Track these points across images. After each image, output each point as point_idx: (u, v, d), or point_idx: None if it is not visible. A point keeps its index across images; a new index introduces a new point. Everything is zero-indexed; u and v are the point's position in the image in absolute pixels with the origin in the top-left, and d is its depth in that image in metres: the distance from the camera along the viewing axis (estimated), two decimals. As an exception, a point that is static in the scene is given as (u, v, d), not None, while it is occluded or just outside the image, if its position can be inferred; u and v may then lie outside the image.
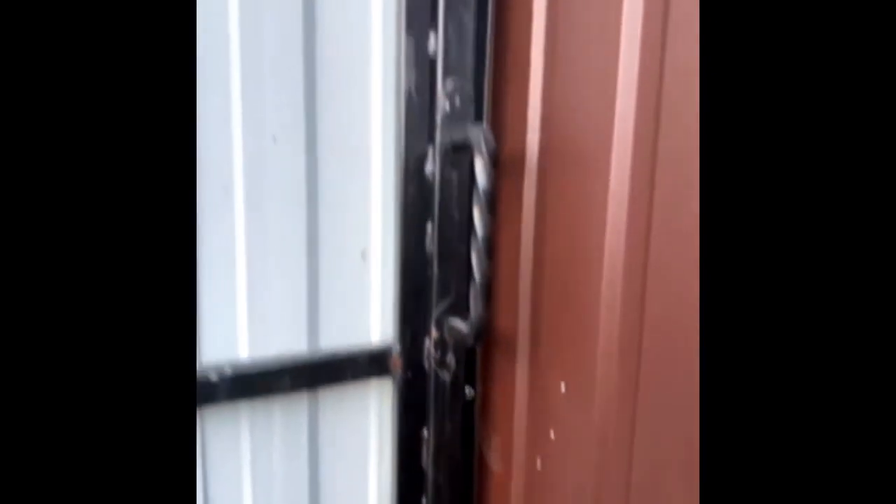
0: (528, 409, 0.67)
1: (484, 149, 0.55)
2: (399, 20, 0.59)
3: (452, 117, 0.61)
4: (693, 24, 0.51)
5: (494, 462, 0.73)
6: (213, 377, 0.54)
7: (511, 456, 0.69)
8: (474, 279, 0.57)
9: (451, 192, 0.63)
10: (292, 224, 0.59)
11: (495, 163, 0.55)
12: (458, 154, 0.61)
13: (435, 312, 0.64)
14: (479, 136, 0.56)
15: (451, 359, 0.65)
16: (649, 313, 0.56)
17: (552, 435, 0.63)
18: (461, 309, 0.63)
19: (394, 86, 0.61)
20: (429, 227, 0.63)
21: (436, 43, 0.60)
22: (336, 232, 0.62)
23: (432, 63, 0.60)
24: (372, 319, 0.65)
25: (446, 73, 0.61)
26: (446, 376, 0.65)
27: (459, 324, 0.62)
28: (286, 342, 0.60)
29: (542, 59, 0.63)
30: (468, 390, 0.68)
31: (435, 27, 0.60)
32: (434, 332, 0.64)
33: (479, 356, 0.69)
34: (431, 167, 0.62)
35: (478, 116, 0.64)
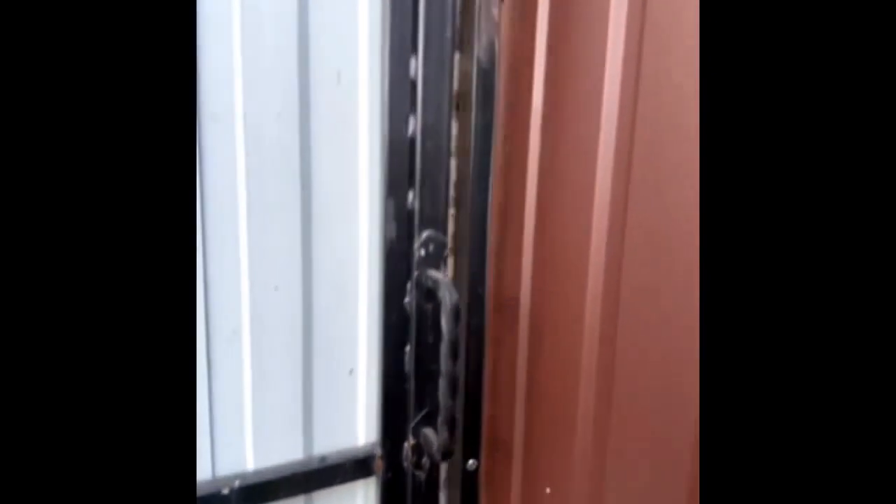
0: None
1: (448, 303, 0.65)
2: (382, 183, 0.70)
3: (427, 261, 0.72)
4: (656, 188, 0.61)
5: None
6: (225, 490, 0.65)
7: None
8: (441, 408, 0.68)
9: (425, 322, 0.73)
10: (291, 351, 0.70)
11: (457, 315, 0.66)
12: (431, 293, 0.72)
13: (412, 422, 0.75)
14: (444, 291, 0.67)
15: (426, 461, 0.76)
16: (613, 443, 0.67)
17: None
18: (434, 419, 0.74)
19: (378, 235, 0.72)
20: (407, 349, 0.74)
21: (413, 201, 0.71)
22: (328, 354, 0.73)
23: (410, 216, 0.71)
24: (358, 427, 0.76)
25: (421, 226, 0.71)
26: (422, 476, 0.76)
27: (432, 434, 0.73)
28: (285, 450, 0.71)
29: (533, 218, 0.76)
30: (471, 462, 0.80)
31: (413, 187, 0.70)
32: (411, 439, 0.75)
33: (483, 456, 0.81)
34: (409, 299, 0.73)
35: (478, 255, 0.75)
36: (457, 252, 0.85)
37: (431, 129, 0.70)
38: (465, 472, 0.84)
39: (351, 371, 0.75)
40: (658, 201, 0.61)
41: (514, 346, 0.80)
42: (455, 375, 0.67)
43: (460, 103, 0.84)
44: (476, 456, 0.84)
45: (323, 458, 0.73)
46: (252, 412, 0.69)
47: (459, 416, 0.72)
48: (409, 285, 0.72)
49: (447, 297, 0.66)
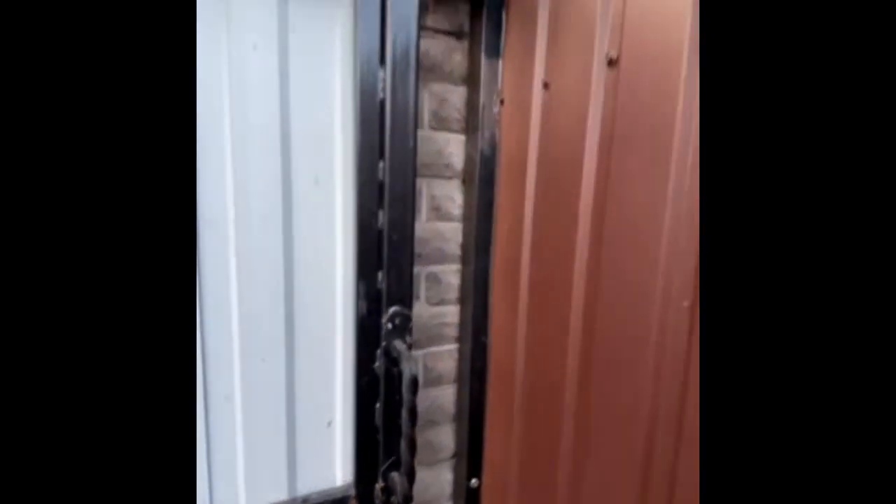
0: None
1: (407, 375, 0.77)
2: (355, 268, 0.81)
3: (393, 332, 0.84)
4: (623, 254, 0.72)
5: None
6: (223, 529, 0.78)
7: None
8: (402, 462, 0.80)
9: (392, 384, 0.85)
10: (276, 409, 0.83)
11: (414, 386, 0.77)
12: (397, 360, 0.84)
13: (381, 467, 0.87)
14: (405, 364, 0.78)
15: (394, 499, 0.88)
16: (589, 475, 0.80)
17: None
18: (400, 464, 0.86)
19: (352, 311, 0.83)
20: (377, 405, 0.86)
21: (382, 282, 0.82)
22: (309, 410, 0.85)
23: (379, 295, 0.82)
24: (336, 470, 0.89)
25: (389, 303, 0.83)
26: (392, 512, 0.89)
27: (398, 478, 0.85)
28: (273, 491, 0.84)
29: (528, 275, 0.91)
30: (474, 481, 1.06)
31: (382, 270, 0.82)
32: (381, 482, 0.87)
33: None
34: (378, 364, 0.84)
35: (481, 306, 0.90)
36: (462, 301, 1.05)
37: (397, 223, 0.81)
38: (468, 489, 1.07)
39: (329, 423, 0.87)
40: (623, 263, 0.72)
41: (511, 391, 0.96)
42: (412, 436, 0.79)
43: (465, 180, 1.02)
44: (478, 476, 1.07)
45: (305, 499, 0.85)
46: (244, 461, 0.81)
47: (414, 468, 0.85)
48: (378, 352, 0.84)
49: (407, 370, 0.78)
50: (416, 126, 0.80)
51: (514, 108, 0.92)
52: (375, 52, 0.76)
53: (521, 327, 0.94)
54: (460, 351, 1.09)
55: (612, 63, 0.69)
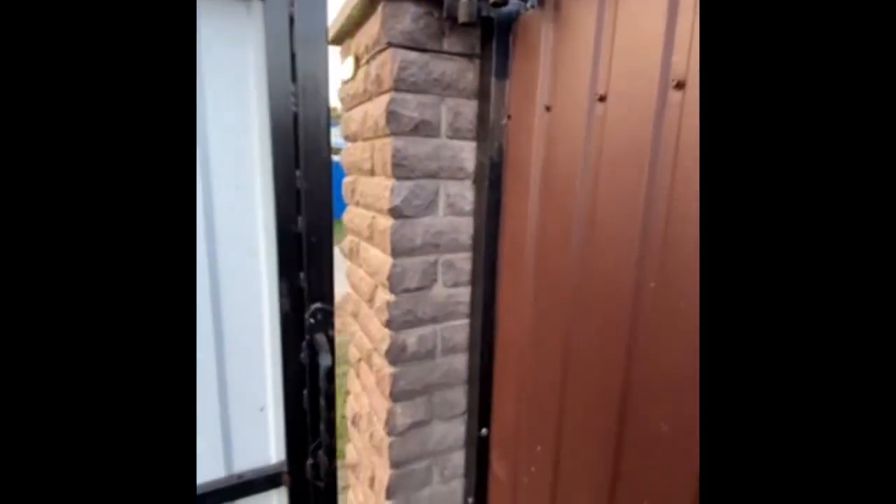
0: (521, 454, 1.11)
1: (323, 367, 0.85)
2: (278, 269, 0.88)
3: (315, 327, 0.91)
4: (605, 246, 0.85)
5: (500, 472, 1.23)
6: (162, 502, 0.87)
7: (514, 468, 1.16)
8: (323, 442, 0.89)
9: (316, 373, 0.93)
10: (211, 397, 0.91)
11: (331, 379, 0.86)
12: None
13: (311, 446, 0.96)
14: (323, 357, 0.87)
15: (322, 474, 0.98)
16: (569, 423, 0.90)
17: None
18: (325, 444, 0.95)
19: (277, 309, 0.90)
20: (304, 392, 0.94)
21: (304, 280, 0.89)
22: (242, 397, 0.94)
23: (301, 292, 0.90)
24: (270, 450, 0.98)
25: (310, 300, 0.90)
26: (321, 486, 0.98)
27: (323, 456, 0.94)
28: (211, 470, 0.93)
29: (533, 264, 0.96)
30: (483, 430, 1.27)
31: (303, 269, 0.89)
32: (310, 459, 0.96)
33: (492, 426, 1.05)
34: (304, 356, 0.92)
35: (489, 287, 0.94)
36: (473, 283, 1.23)
37: (315, 227, 0.88)
38: (479, 437, 1.28)
39: (262, 409, 0.96)
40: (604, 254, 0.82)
41: (515, 357, 1.12)
42: (331, 419, 0.87)
43: (476, 181, 1.18)
44: (487, 426, 1.28)
45: (241, 475, 0.95)
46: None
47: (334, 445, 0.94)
48: (303, 345, 0.92)
49: (322, 362, 0.86)
50: (328, 137, 0.86)
51: (519, 124, 1.04)
52: (286, 68, 0.81)
53: (525, 305, 1.07)
54: (471, 325, 1.27)
55: (601, 99, 0.79)
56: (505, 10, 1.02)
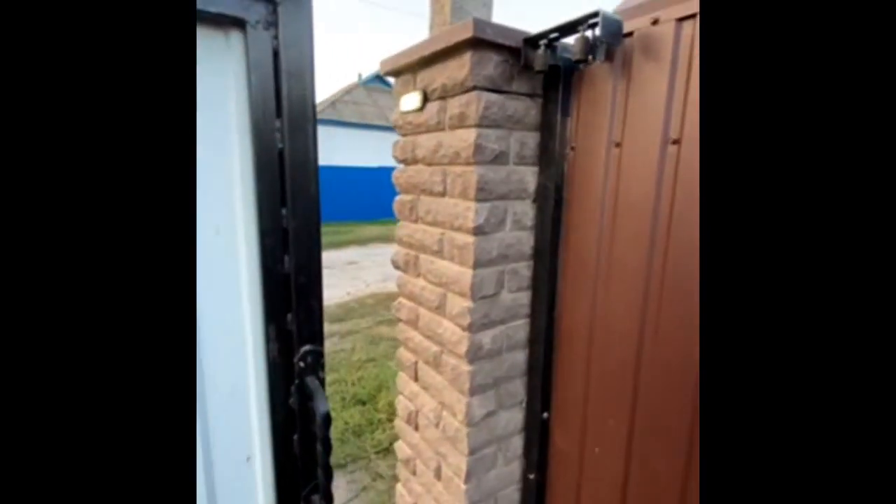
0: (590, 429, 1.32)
1: (319, 412, 0.81)
2: (263, 312, 0.82)
3: (306, 370, 0.87)
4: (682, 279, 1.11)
5: (566, 447, 1.45)
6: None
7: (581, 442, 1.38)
8: (320, 486, 0.88)
9: (307, 416, 0.88)
10: (200, 444, 0.80)
11: (328, 425, 0.82)
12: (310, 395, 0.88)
13: (303, 492, 0.93)
14: (318, 402, 0.82)
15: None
16: (638, 420, 1.11)
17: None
18: (319, 488, 0.90)
19: (263, 355, 0.84)
20: (294, 437, 0.88)
21: (292, 322, 0.83)
22: (226, 448, 0.85)
23: (289, 335, 0.83)
24: (259, 500, 0.91)
25: (300, 343, 0.85)
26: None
27: (318, 499, 0.92)
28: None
29: (594, 273, 1.16)
30: (545, 414, 1.48)
31: (291, 311, 0.83)
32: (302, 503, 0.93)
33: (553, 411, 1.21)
34: (293, 400, 0.87)
35: (550, 291, 1.12)
36: (534, 288, 1.45)
37: (303, 266, 0.83)
38: (541, 420, 1.50)
39: (248, 458, 0.88)
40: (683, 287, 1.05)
41: (575, 351, 1.35)
42: (328, 464, 0.86)
43: (536, 201, 1.40)
44: (548, 410, 1.50)
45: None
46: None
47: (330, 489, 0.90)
48: (292, 389, 0.87)
49: (319, 407, 0.82)
50: (317, 174, 0.83)
51: (584, 155, 1.26)
52: (271, 103, 0.77)
53: (589, 303, 1.29)
54: (532, 323, 1.48)
55: (675, 142, 1.00)
56: (568, 59, 1.22)
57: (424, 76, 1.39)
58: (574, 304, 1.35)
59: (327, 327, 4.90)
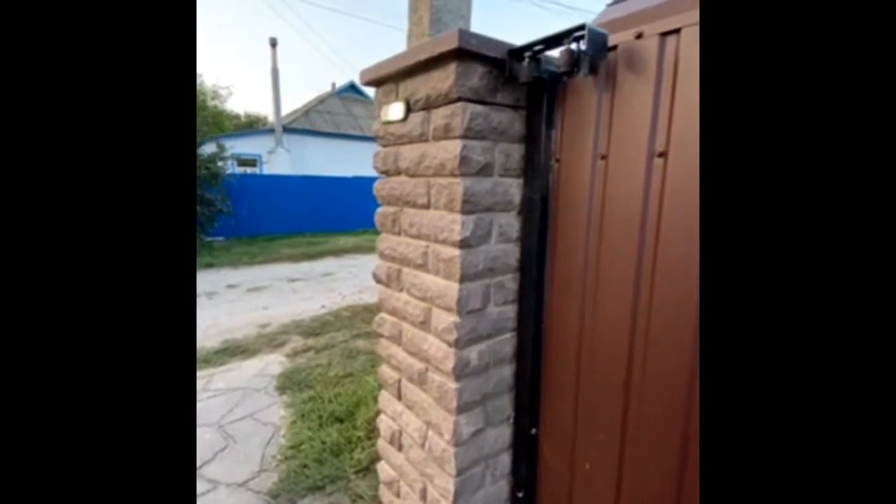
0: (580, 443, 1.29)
1: None
2: None
3: None
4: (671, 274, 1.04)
5: (555, 462, 1.40)
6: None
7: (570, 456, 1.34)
8: None
9: None
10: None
11: None
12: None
13: None
14: None
15: None
16: (630, 434, 1.07)
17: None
18: None
19: None
20: None
21: None
22: None
23: None
24: None
25: None
26: None
27: None
28: None
29: (581, 284, 1.12)
30: (533, 430, 1.45)
31: None
32: None
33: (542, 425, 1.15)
34: None
35: (537, 303, 1.06)
36: (521, 300, 1.42)
37: None
38: (529, 436, 1.46)
39: None
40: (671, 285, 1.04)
41: (564, 364, 1.33)
42: None
43: (522, 213, 1.37)
44: (537, 426, 1.46)
45: None
46: None
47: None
48: None
49: None
50: None
51: (569, 166, 1.25)
52: None
53: (578, 315, 1.27)
54: (518, 337, 1.45)
55: (661, 155, 1.00)
56: (553, 71, 1.22)
57: (407, 86, 1.36)
58: (561, 317, 1.34)
59: (302, 342, 4.75)
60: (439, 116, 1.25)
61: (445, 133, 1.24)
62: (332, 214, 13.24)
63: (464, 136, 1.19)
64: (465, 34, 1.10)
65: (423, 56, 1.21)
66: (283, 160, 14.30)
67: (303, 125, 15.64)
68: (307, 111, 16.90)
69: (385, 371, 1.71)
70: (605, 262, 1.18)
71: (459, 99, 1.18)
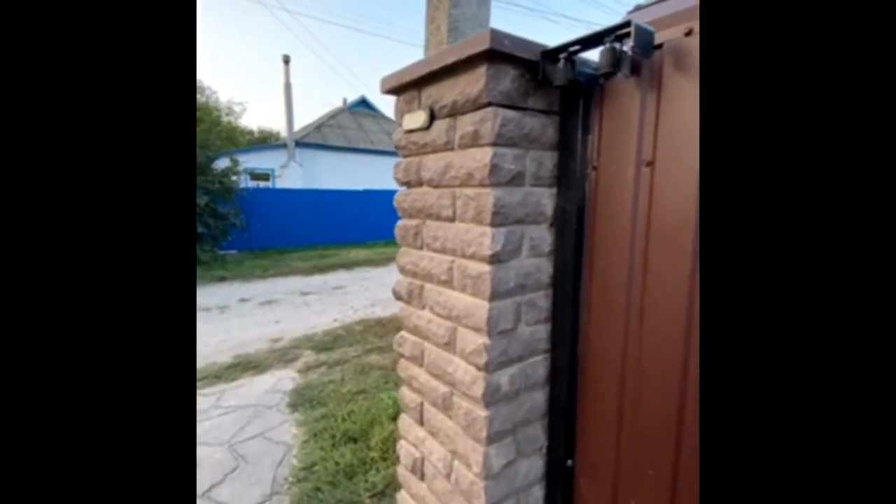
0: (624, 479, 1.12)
1: None
2: None
3: None
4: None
5: (594, 499, 1.29)
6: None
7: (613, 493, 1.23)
8: None
9: None
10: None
11: None
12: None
13: None
14: None
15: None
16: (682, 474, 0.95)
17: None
18: None
19: None
20: None
21: None
22: None
23: None
24: None
25: None
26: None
27: None
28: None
29: (624, 300, 1.03)
30: (569, 461, 1.33)
31: None
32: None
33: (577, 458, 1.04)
34: None
35: (572, 324, 0.96)
36: (554, 319, 1.31)
37: None
38: (565, 468, 1.35)
39: None
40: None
41: (607, 386, 1.21)
42: None
43: (555, 226, 1.28)
44: (573, 457, 1.34)
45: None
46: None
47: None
48: None
49: None
50: None
51: (608, 175, 1.16)
52: None
53: (621, 336, 1.15)
54: (551, 359, 1.34)
55: None
56: (590, 73, 1.14)
57: (431, 92, 1.29)
58: (601, 338, 1.23)
59: (314, 357, 4.66)
60: (467, 123, 1.17)
61: (474, 141, 1.16)
62: (343, 227, 13.28)
63: (494, 144, 1.11)
64: (497, 34, 1.02)
65: (450, 59, 1.13)
66: (296, 174, 14.45)
67: (315, 140, 15.82)
68: (319, 126, 17.13)
69: (406, 394, 1.61)
70: (653, 279, 1.07)
71: (490, 104, 1.10)
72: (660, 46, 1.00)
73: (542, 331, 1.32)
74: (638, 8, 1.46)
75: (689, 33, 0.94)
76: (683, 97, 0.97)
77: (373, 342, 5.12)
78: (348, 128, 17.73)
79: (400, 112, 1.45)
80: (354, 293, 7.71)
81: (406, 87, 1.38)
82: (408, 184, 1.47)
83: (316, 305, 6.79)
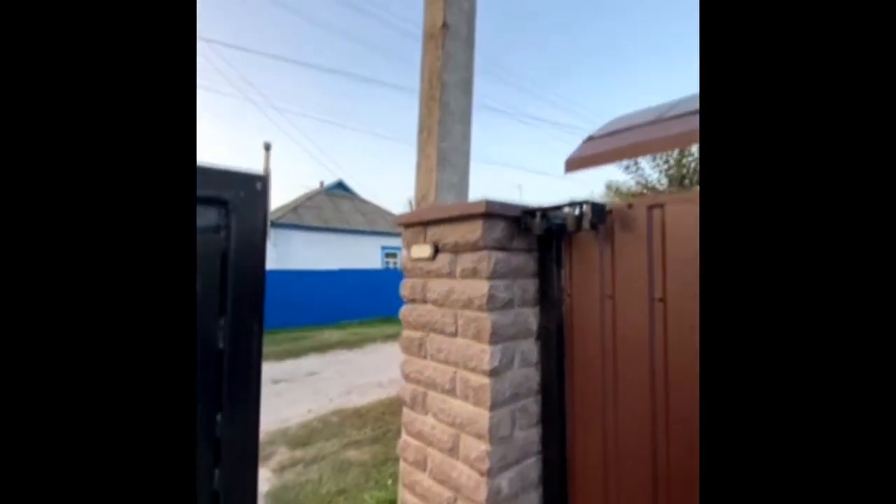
0: None
1: None
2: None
3: None
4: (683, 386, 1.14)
5: None
6: None
7: None
8: None
9: None
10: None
11: None
12: None
13: None
14: None
15: None
16: None
17: None
18: None
19: None
20: None
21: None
22: None
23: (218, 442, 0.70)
24: None
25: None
26: None
27: None
28: None
29: (601, 397, 1.22)
30: None
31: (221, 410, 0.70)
32: None
33: None
34: None
35: (559, 425, 1.14)
36: (544, 422, 1.50)
37: (234, 486, 0.72)
38: None
39: None
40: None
41: (592, 482, 1.26)
42: None
43: (540, 340, 1.53)
44: None
45: None
46: None
47: None
48: None
49: None
50: (259, 378, 0.76)
51: (580, 302, 1.46)
52: (214, 303, 0.70)
53: (597, 439, 1.35)
54: (544, 460, 1.50)
55: (661, 300, 1.21)
56: (560, 224, 1.49)
57: (435, 231, 1.60)
58: (585, 443, 1.43)
59: (289, 454, 4.44)
60: (467, 260, 1.47)
61: (473, 274, 1.45)
62: (315, 308, 13.11)
63: (490, 278, 1.40)
64: (490, 203, 1.36)
65: (455, 213, 1.46)
66: (269, 255, 14.50)
67: (291, 220, 16.19)
68: (296, 207, 17.65)
69: (408, 498, 1.69)
70: (623, 387, 1.32)
71: (485, 248, 1.41)
72: (610, 212, 1.37)
73: (535, 434, 1.51)
74: (590, 138, 1.90)
75: (630, 206, 1.31)
76: (630, 249, 1.31)
77: (350, 435, 4.94)
78: (324, 208, 18.33)
79: (407, 242, 1.74)
80: (328, 379, 7.48)
81: (414, 224, 1.69)
82: (413, 300, 1.72)
83: (288, 395, 6.52)
